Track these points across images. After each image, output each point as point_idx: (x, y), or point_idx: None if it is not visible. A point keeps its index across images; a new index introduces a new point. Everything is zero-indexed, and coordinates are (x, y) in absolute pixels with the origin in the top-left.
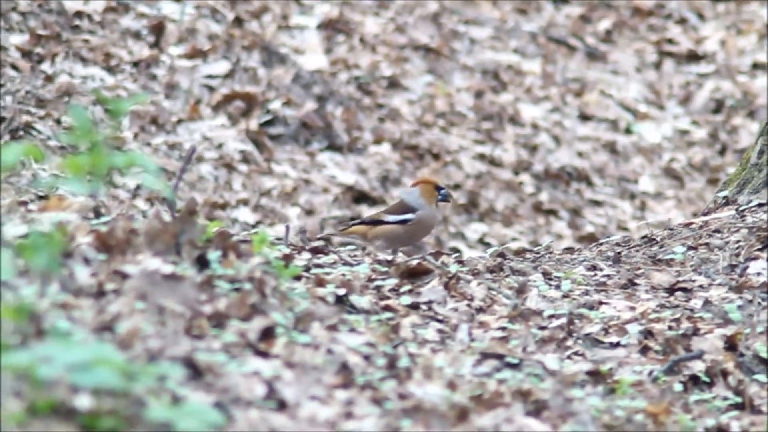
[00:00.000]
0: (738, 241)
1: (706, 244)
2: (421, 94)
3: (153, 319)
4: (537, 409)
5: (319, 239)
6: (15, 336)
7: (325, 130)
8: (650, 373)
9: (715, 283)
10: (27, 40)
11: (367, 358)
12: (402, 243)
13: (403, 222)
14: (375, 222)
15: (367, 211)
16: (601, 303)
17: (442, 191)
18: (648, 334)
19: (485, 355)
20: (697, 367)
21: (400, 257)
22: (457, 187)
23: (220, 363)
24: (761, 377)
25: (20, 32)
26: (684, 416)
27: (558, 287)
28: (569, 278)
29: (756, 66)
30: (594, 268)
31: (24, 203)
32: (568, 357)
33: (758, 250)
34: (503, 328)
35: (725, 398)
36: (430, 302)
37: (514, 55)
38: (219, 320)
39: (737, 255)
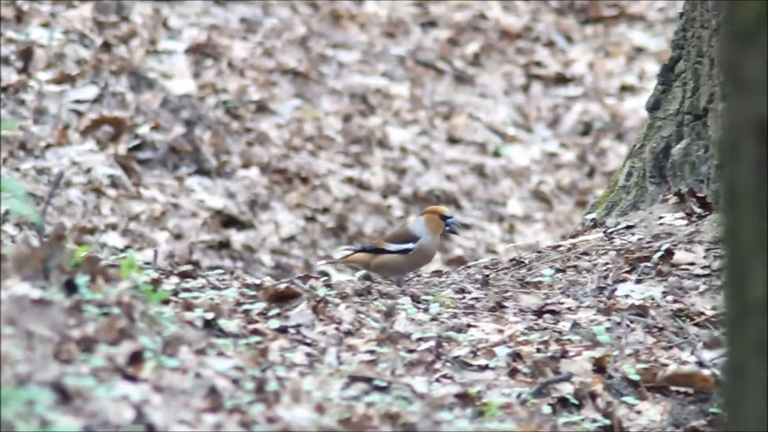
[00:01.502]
0: (606, 264)
1: (575, 266)
2: (290, 118)
3: (21, 343)
4: None
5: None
6: None
7: (194, 154)
8: (519, 395)
9: (583, 306)
10: None
11: (235, 381)
12: (404, 272)
13: (404, 251)
14: (377, 250)
15: (235, 235)
16: (469, 326)
17: (450, 220)
18: (516, 356)
19: (353, 379)
20: (566, 389)
21: (268, 281)
22: (325, 210)
23: (89, 387)
24: (630, 399)
25: None
26: None
27: (426, 310)
28: (437, 301)
29: (624, 88)
30: (462, 290)
31: None
32: (437, 380)
33: (626, 272)
34: (371, 352)
35: (594, 420)
36: (298, 326)
37: (382, 78)
38: (87, 345)
39: (605, 277)
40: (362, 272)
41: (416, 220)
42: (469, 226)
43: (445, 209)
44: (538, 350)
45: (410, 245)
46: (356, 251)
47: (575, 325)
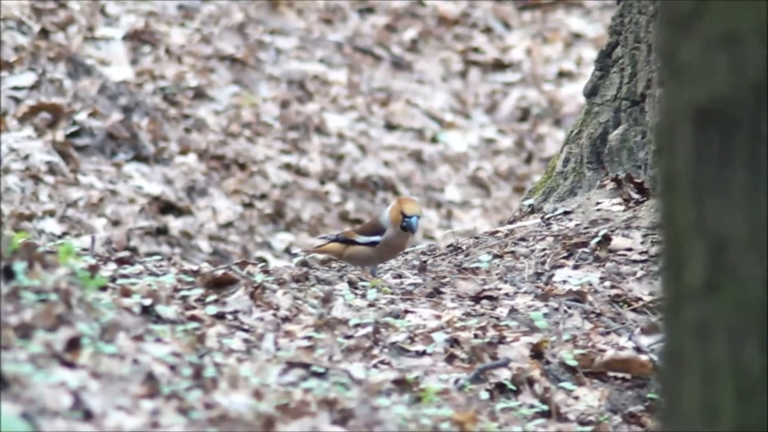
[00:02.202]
0: (544, 249)
1: (512, 252)
2: (227, 104)
3: None
4: (343, 418)
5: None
6: None
7: (131, 140)
8: (456, 381)
9: (520, 291)
10: None
11: (173, 368)
12: (374, 263)
13: (372, 244)
14: (348, 241)
15: (173, 222)
16: (407, 312)
17: (408, 219)
18: (454, 342)
19: (291, 365)
20: (504, 375)
21: (206, 267)
22: (263, 197)
23: (27, 374)
24: (567, 385)
25: None
26: (490, 424)
27: (364, 296)
28: (375, 287)
29: (562, 74)
30: (400, 276)
31: None
32: (374, 366)
33: (564, 258)
34: (309, 338)
35: (532, 406)
36: (235, 312)
37: (320, 65)
38: (25, 331)
39: (543, 263)
40: (300, 258)
41: (388, 208)
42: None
43: (412, 206)
44: (476, 336)
45: (377, 238)
46: (330, 241)
47: (513, 310)
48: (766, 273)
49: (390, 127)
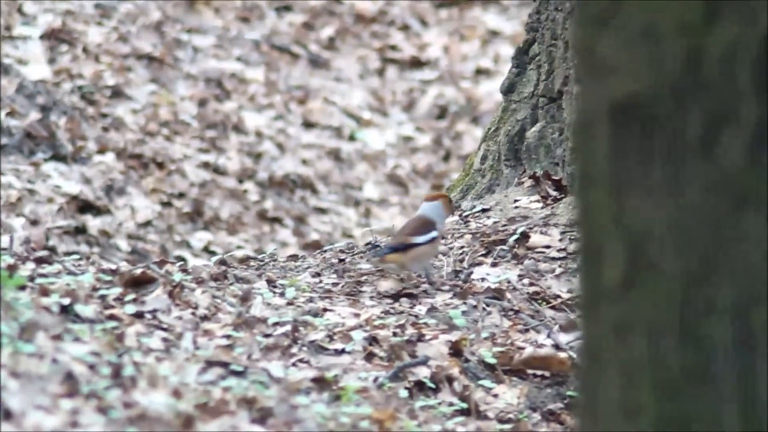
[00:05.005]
0: (462, 247)
1: None
2: (145, 103)
3: None
4: (262, 417)
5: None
6: None
7: (49, 140)
8: (375, 379)
9: (439, 289)
10: None
11: (92, 367)
12: (431, 260)
13: (432, 240)
14: (408, 246)
15: (91, 221)
16: (325, 310)
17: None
18: (373, 340)
19: (210, 363)
20: (423, 373)
21: (124, 266)
22: (181, 195)
23: None
24: (486, 383)
25: None
26: (410, 422)
27: (282, 295)
28: (293, 285)
29: (479, 72)
30: (318, 275)
31: None
32: (293, 364)
33: (482, 255)
34: (228, 336)
35: (451, 404)
36: (154, 311)
37: (238, 63)
38: None
39: (461, 261)
40: (218, 257)
41: (430, 206)
42: (325, 211)
43: (440, 191)
44: (395, 334)
45: (434, 233)
46: (387, 253)
47: (431, 308)
48: (684, 269)
49: (308, 125)
